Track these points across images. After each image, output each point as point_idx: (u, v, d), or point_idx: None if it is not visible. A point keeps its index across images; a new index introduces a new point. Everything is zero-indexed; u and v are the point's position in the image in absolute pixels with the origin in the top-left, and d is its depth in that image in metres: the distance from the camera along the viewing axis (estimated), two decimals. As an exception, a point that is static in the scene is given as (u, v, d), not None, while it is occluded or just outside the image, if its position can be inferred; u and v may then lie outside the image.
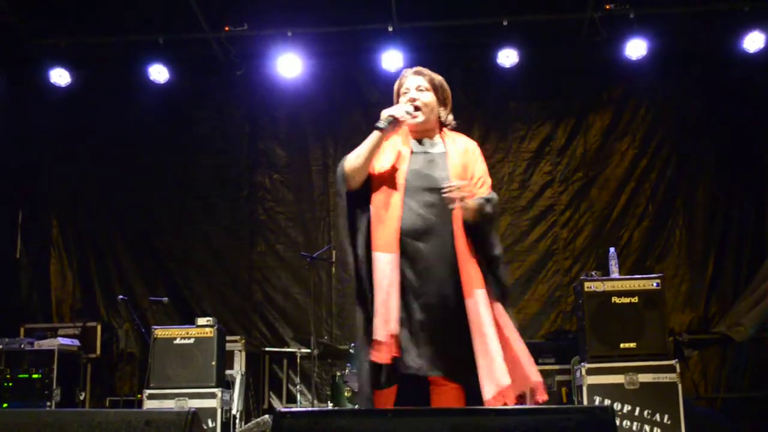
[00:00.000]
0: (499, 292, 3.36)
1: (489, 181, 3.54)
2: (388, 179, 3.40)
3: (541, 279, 7.97)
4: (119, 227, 8.41)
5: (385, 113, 3.42)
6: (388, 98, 9.04)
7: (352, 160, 3.41)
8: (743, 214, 7.88)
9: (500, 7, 7.55)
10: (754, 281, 7.43)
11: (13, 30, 7.78)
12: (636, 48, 7.52)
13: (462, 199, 3.26)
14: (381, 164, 3.43)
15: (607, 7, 7.44)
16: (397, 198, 3.35)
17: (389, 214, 3.33)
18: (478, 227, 3.38)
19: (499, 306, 3.33)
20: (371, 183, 3.43)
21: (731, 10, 7.44)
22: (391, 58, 7.61)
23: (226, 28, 7.80)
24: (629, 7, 7.38)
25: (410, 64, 7.64)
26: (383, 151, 3.46)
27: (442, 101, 3.60)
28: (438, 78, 3.62)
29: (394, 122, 3.41)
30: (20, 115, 8.33)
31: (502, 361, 3.19)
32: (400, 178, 3.39)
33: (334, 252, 7.50)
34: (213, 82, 8.48)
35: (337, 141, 8.30)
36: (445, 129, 3.62)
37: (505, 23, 7.51)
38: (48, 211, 8.51)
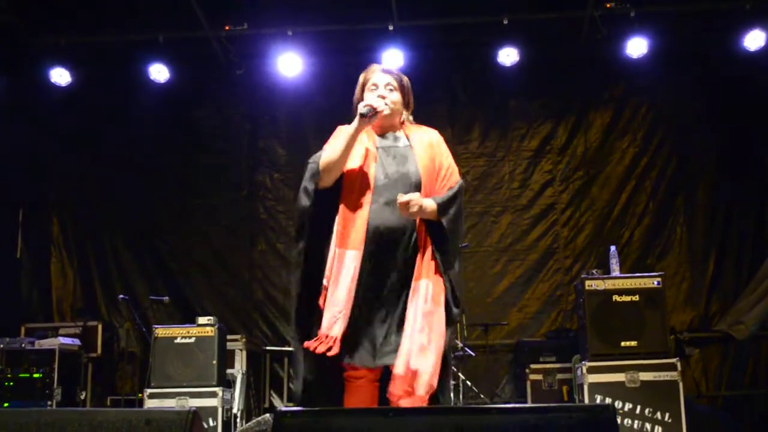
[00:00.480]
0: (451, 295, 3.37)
1: (456, 168, 3.57)
2: (358, 177, 3.39)
3: (542, 278, 7.97)
4: (120, 226, 8.41)
5: (361, 104, 3.42)
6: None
7: (329, 155, 3.40)
8: (744, 212, 7.88)
9: (501, 6, 7.54)
10: (755, 279, 7.42)
11: (14, 29, 7.78)
12: (637, 46, 7.52)
13: (419, 208, 3.28)
14: (350, 162, 3.43)
15: (608, 5, 7.44)
16: (367, 195, 3.36)
17: (359, 212, 3.33)
18: (441, 226, 3.40)
19: (440, 310, 3.32)
20: (342, 182, 3.42)
21: (732, 8, 7.44)
22: (392, 57, 7.61)
23: (227, 27, 7.80)
24: (630, 6, 7.38)
25: (410, 63, 7.71)
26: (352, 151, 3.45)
27: (406, 104, 3.62)
28: (405, 79, 3.63)
29: (373, 113, 3.39)
30: (21, 115, 8.32)
31: (417, 349, 3.19)
32: (370, 175, 3.39)
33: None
34: (213, 81, 8.48)
35: (338, 140, 8.29)
36: (405, 123, 3.63)
37: (505, 22, 7.50)
38: (48, 210, 8.51)
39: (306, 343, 3.27)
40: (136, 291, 8.11)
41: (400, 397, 3.18)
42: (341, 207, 3.38)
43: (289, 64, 7.79)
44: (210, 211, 8.40)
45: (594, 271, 6.20)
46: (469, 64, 8.25)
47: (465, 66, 8.26)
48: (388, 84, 3.56)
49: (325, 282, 3.32)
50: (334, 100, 8.37)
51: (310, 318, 3.34)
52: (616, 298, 5.89)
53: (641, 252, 7.89)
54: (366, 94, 3.57)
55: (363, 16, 7.73)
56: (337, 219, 3.38)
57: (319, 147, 9.36)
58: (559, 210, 8.07)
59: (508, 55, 7.66)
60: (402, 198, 3.26)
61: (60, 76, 7.90)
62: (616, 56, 7.71)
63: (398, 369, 3.18)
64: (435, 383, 3.21)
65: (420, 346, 3.19)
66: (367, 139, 3.51)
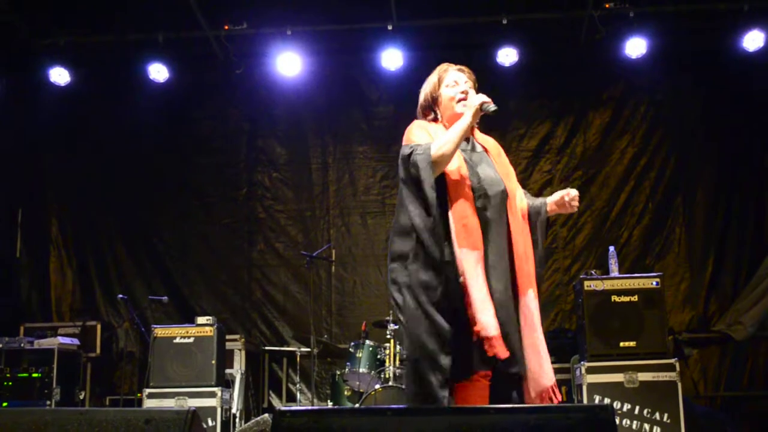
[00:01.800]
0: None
1: None
2: (459, 178, 3.34)
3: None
4: (119, 226, 8.41)
5: (478, 100, 3.42)
6: (388, 96, 9.03)
7: (440, 146, 3.28)
8: (743, 213, 7.88)
9: (500, 6, 7.54)
10: (753, 279, 7.43)
11: (13, 29, 7.78)
12: (636, 46, 7.52)
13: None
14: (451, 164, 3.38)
15: (607, 5, 7.44)
16: (469, 197, 3.30)
17: (469, 212, 3.27)
18: (544, 224, 3.53)
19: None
20: (445, 181, 3.34)
21: (731, 9, 7.44)
22: (391, 57, 7.61)
23: (226, 27, 7.80)
24: (629, 6, 7.38)
25: (410, 63, 7.70)
26: None
27: None
28: (475, 80, 3.69)
29: (494, 106, 3.41)
30: (20, 114, 8.33)
31: (549, 362, 3.29)
32: (466, 176, 3.35)
33: (333, 250, 7.50)
34: (212, 81, 8.48)
35: (337, 139, 8.31)
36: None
37: (504, 22, 7.51)
38: (48, 210, 8.51)
39: (489, 351, 3.15)
40: (135, 291, 8.11)
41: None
42: (454, 206, 3.28)
43: (288, 63, 7.79)
44: (209, 211, 8.41)
45: (593, 272, 6.19)
46: (468, 63, 8.22)
47: (464, 65, 8.25)
48: (466, 81, 3.63)
49: (462, 279, 3.19)
50: (333, 100, 8.39)
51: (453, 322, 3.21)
52: (614, 298, 5.89)
53: (640, 252, 7.89)
54: (445, 90, 3.58)
55: (362, 16, 7.73)
56: (453, 217, 3.27)
57: (319, 146, 9.35)
58: (557, 210, 8.06)
59: (507, 55, 7.66)
60: (574, 192, 3.43)
61: (59, 75, 7.91)
62: (615, 56, 7.71)
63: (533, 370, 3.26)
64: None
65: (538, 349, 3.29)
66: None
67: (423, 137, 3.39)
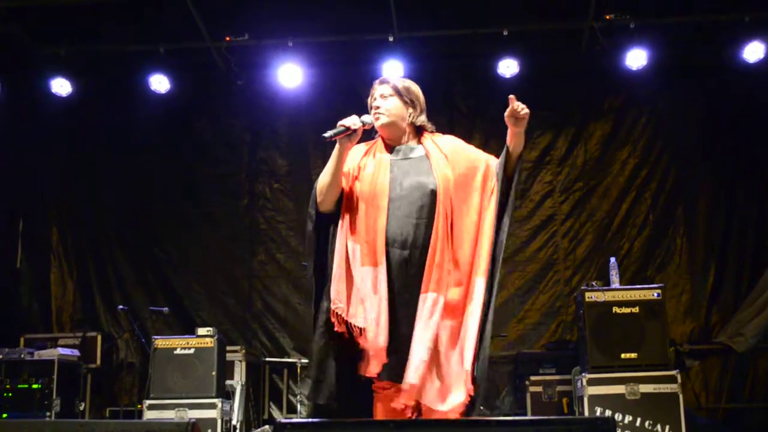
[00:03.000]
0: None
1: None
2: (369, 192, 3.34)
3: (542, 289, 7.96)
4: (120, 236, 8.41)
5: (338, 123, 3.41)
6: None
7: (321, 178, 3.38)
8: (744, 224, 7.88)
9: (501, 17, 7.55)
10: (755, 290, 7.42)
11: (15, 39, 7.80)
12: (636, 58, 7.52)
13: (527, 117, 3.39)
14: (361, 177, 3.39)
15: (608, 17, 7.45)
16: (381, 209, 3.29)
17: (374, 226, 3.27)
18: (514, 170, 3.46)
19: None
20: (348, 199, 3.37)
21: (731, 20, 7.45)
22: (392, 68, 7.62)
23: (227, 38, 7.81)
24: (629, 18, 7.40)
25: (411, 74, 7.72)
26: (364, 166, 3.44)
27: (409, 103, 3.55)
28: (402, 83, 3.59)
29: (347, 131, 3.38)
30: (21, 125, 8.34)
31: (419, 360, 3.13)
32: (381, 189, 3.33)
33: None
34: (214, 92, 8.49)
35: (338, 151, 8.30)
36: (425, 133, 3.57)
37: (505, 33, 7.51)
38: (48, 220, 8.51)
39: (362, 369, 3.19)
40: (136, 301, 8.09)
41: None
42: (357, 225, 3.32)
43: (290, 74, 7.80)
44: (210, 222, 8.40)
45: (594, 283, 6.20)
46: (469, 75, 8.26)
47: (465, 77, 8.27)
48: (382, 94, 3.56)
49: (333, 306, 3.25)
50: (334, 111, 8.35)
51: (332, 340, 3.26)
52: (616, 309, 5.89)
53: (641, 263, 7.88)
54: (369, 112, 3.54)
55: (363, 28, 7.75)
56: (352, 237, 3.31)
57: (320, 157, 9.41)
58: (558, 221, 8.07)
59: (508, 67, 7.67)
60: (516, 101, 3.37)
61: (61, 86, 7.91)
62: (615, 67, 7.71)
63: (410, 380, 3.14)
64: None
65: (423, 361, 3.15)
66: (380, 153, 3.48)
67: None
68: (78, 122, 8.42)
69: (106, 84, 8.24)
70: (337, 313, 3.24)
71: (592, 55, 7.78)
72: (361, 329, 3.20)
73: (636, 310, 5.86)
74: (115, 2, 7.51)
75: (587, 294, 5.95)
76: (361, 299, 3.23)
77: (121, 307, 7.09)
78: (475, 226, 3.37)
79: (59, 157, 8.57)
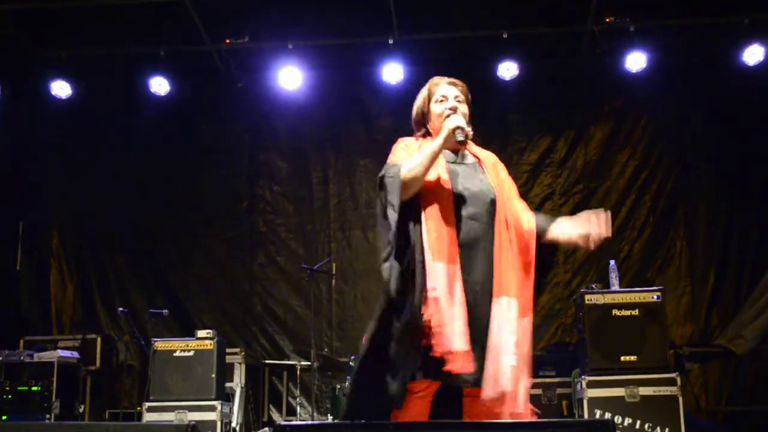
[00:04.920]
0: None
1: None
2: (438, 191, 3.32)
3: (541, 291, 7.94)
4: (119, 239, 8.41)
5: (453, 123, 3.39)
6: (389, 110, 9.04)
7: (411, 169, 3.27)
8: (744, 226, 7.87)
9: (500, 20, 7.56)
10: (755, 293, 7.41)
11: (16, 42, 7.81)
12: (636, 60, 7.54)
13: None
14: (429, 176, 3.35)
15: (607, 20, 7.47)
16: (450, 210, 3.29)
17: (448, 226, 3.25)
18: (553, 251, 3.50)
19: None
20: (421, 195, 3.33)
21: (731, 23, 7.46)
22: (392, 71, 7.63)
23: (227, 41, 7.83)
24: (629, 20, 7.41)
25: (410, 77, 7.73)
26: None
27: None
28: (468, 92, 3.65)
29: (465, 137, 3.39)
30: (21, 127, 8.35)
31: (508, 367, 3.10)
32: (449, 190, 3.33)
33: (334, 264, 7.50)
34: (214, 94, 8.50)
35: (338, 153, 8.32)
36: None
37: (505, 36, 7.53)
38: (48, 223, 8.51)
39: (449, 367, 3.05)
40: (136, 304, 8.09)
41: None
42: (428, 221, 3.27)
43: (290, 77, 7.81)
44: (210, 224, 8.40)
45: (593, 285, 6.19)
46: (469, 78, 8.22)
47: (465, 80, 8.25)
48: (456, 96, 3.58)
49: (431, 294, 3.15)
50: (334, 114, 8.40)
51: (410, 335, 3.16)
52: (615, 312, 5.88)
53: (641, 266, 7.88)
54: (435, 106, 3.55)
55: (363, 30, 7.76)
56: (427, 231, 3.25)
57: (319, 160, 9.38)
58: (558, 224, 8.06)
59: (507, 69, 7.67)
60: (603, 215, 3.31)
61: (61, 88, 7.92)
62: (615, 70, 7.72)
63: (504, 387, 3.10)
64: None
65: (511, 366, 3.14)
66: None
67: (401, 157, 3.39)
68: (78, 125, 8.42)
69: (106, 87, 8.24)
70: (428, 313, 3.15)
71: (592, 57, 7.80)
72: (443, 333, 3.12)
73: (636, 312, 5.85)
74: (116, 5, 7.52)
75: (587, 296, 5.95)
76: (436, 298, 3.16)
77: (120, 309, 7.10)
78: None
79: (59, 159, 8.57)
